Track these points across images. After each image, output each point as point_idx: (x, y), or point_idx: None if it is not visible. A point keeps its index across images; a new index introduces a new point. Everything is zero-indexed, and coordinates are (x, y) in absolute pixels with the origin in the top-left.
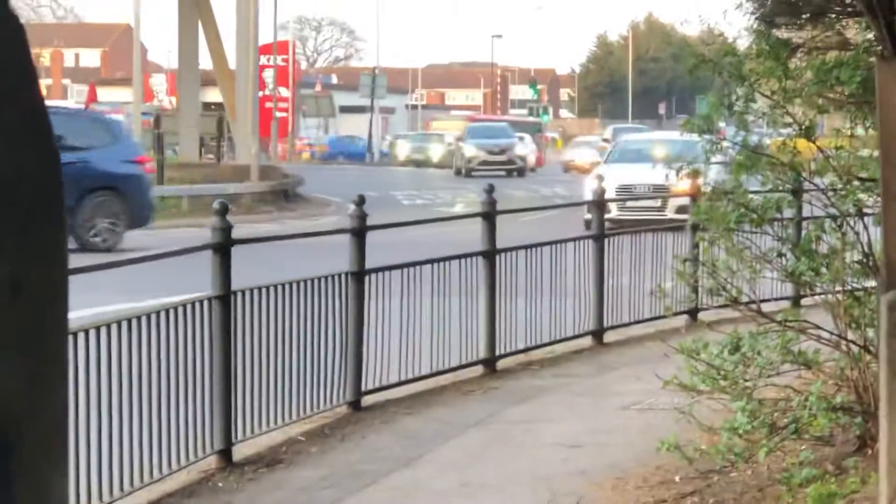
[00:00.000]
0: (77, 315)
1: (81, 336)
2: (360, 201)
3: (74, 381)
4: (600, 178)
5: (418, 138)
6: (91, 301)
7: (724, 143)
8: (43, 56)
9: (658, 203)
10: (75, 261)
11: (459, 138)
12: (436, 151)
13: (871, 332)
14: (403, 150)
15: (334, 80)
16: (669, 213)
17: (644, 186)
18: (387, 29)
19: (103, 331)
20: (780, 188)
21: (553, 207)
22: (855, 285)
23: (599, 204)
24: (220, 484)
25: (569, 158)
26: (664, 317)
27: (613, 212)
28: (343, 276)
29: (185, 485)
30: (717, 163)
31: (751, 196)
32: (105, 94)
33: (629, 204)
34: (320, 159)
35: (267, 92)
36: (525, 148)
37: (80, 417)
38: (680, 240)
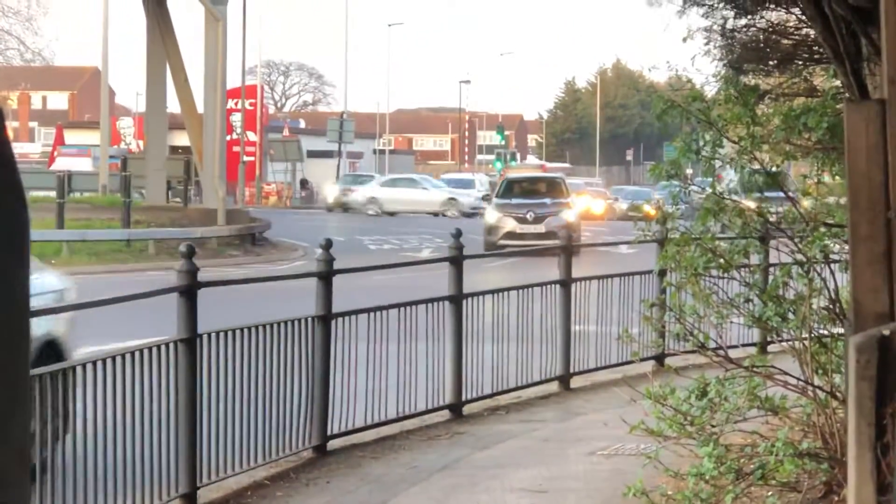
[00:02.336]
0: None
1: (47, 378)
2: (327, 245)
3: (39, 423)
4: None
5: (349, 180)
6: None
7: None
8: (10, 98)
9: (539, 228)
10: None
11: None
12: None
13: (837, 378)
14: (333, 192)
15: (302, 124)
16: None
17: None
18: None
19: (68, 373)
20: (747, 234)
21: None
22: (822, 331)
23: (567, 250)
24: None
25: None
26: (631, 362)
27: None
28: (310, 320)
29: None
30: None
31: (718, 242)
32: (72, 136)
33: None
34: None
35: (234, 136)
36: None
37: (46, 459)
38: (647, 284)
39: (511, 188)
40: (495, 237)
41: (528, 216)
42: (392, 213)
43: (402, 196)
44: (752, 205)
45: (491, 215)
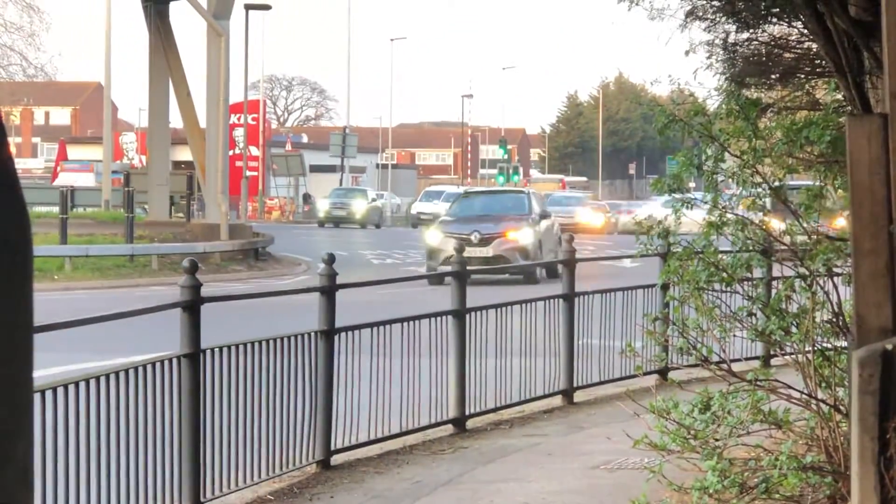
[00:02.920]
0: (45, 373)
1: (49, 394)
2: (330, 260)
3: (42, 439)
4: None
5: (340, 193)
6: (58, 359)
7: (695, 202)
8: (13, 114)
9: (486, 251)
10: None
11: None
12: (359, 207)
13: (841, 392)
14: (323, 205)
15: (304, 139)
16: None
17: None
18: (357, 89)
19: (71, 389)
20: (750, 248)
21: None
22: (825, 345)
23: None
24: None
25: None
26: (634, 376)
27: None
28: (313, 335)
29: None
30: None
31: (721, 255)
32: (75, 152)
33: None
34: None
35: (237, 151)
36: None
37: (47, 475)
38: (650, 298)
39: (464, 204)
40: (436, 262)
41: (472, 237)
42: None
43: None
44: (755, 218)
45: (432, 236)
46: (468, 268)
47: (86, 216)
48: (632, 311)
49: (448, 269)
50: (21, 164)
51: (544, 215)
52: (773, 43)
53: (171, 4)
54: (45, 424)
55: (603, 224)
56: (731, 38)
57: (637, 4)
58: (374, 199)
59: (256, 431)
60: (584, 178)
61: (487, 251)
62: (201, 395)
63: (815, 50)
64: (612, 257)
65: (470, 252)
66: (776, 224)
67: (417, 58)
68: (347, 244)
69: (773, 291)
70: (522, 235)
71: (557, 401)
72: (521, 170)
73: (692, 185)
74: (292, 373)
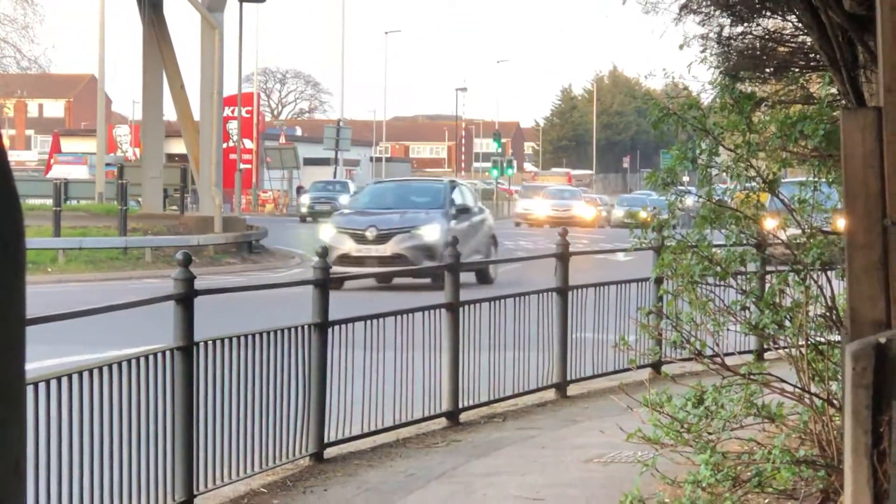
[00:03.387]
0: (37, 366)
1: (42, 386)
2: (324, 253)
3: (35, 432)
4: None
5: (320, 187)
6: (51, 352)
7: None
8: (7, 106)
9: (383, 250)
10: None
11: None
12: (343, 202)
13: (834, 386)
14: (305, 200)
15: (298, 132)
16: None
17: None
18: (351, 82)
19: (64, 381)
20: (744, 241)
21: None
22: (818, 339)
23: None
24: None
25: (522, 210)
26: (628, 370)
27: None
28: (306, 328)
29: None
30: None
31: (714, 249)
32: (69, 144)
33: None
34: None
35: (231, 143)
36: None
37: (39, 467)
38: (644, 292)
39: (372, 194)
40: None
41: (367, 233)
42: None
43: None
44: (748, 212)
45: (325, 231)
46: (344, 271)
47: (79, 209)
48: (626, 304)
49: (345, 270)
50: (14, 156)
51: (466, 209)
52: (767, 37)
53: None
54: (38, 417)
55: (594, 217)
56: (726, 32)
57: None
58: (355, 193)
59: (250, 424)
60: (591, 172)
61: (384, 249)
62: (194, 388)
63: (809, 44)
64: (606, 251)
65: (364, 250)
66: (770, 223)
67: (412, 51)
68: None
69: (767, 285)
70: (428, 232)
71: (551, 394)
72: (514, 164)
73: (686, 178)
74: (286, 366)
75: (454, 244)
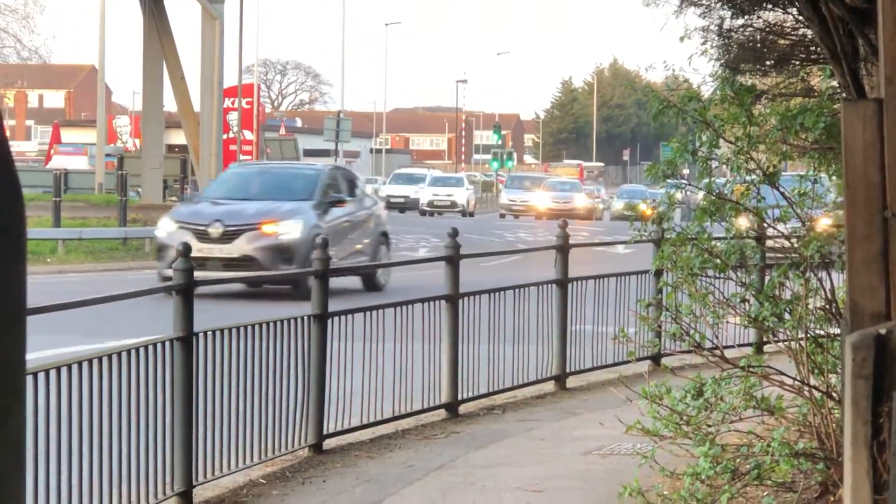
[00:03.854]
0: (37, 355)
1: (42, 376)
2: (323, 244)
3: (34, 422)
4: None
5: None
6: (51, 342)
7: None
8: (7, 97)
9: (229, 250)
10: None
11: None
12: None
13: (833, 379)
14: None
15: (299, 123)
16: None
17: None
18: (352, 73)
19: (63, 371)
20: (744, 234)
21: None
22: (818, 331)
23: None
24: None
25: (507, 201)
26: (627, 362)
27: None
28: (306, 319)
29: None
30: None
31: (714, 242)
32: (69, 135)
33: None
34: None
35: (231, 134)
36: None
37: (39, 457)
38: (644, 284)
39: (228, 182)
40: (165, 263)
41: (211, 230)
42: None
43: None
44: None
45: (164, 226)
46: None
47: (79, 199)
48: (625, 297)
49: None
50: (15, 146)
51: (344, 201)
52: (768, 29)
53: None
54: (38, 406)
55: (588, 210)
56: (726, 25)
57: None
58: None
59: (249, 415)
60: (602, 164)
61: (231, 250)
62: (194, 379)
63: (809, 36)
64: (606, 243)
65: (206, 250)
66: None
67: (412, 42)
68: None
69: (767, 278)
70: (286, 228)
71: (550, 386)
72: (514, 155)
73: (686, 171)
74: (285, 357)
75: (324, 245)
